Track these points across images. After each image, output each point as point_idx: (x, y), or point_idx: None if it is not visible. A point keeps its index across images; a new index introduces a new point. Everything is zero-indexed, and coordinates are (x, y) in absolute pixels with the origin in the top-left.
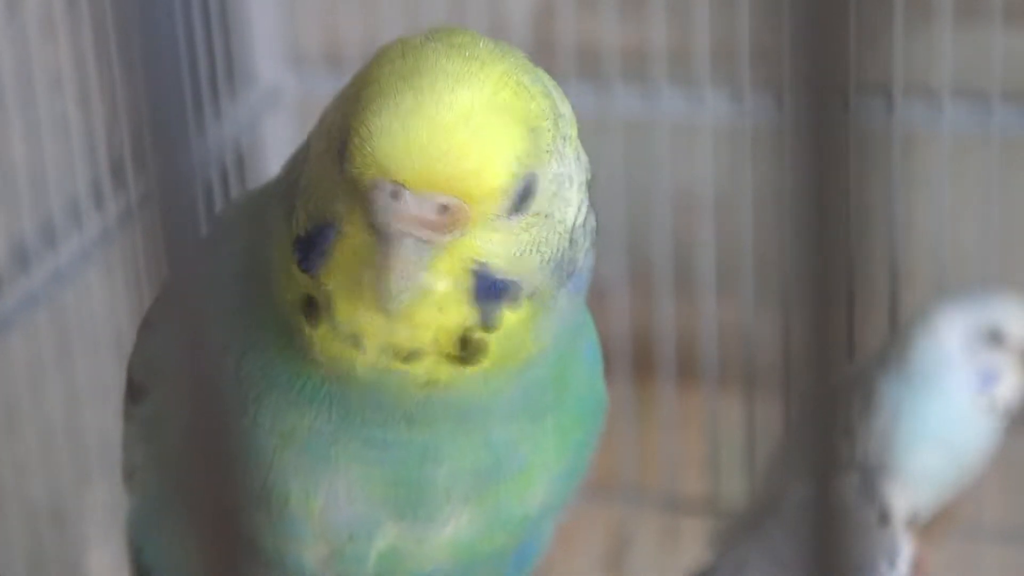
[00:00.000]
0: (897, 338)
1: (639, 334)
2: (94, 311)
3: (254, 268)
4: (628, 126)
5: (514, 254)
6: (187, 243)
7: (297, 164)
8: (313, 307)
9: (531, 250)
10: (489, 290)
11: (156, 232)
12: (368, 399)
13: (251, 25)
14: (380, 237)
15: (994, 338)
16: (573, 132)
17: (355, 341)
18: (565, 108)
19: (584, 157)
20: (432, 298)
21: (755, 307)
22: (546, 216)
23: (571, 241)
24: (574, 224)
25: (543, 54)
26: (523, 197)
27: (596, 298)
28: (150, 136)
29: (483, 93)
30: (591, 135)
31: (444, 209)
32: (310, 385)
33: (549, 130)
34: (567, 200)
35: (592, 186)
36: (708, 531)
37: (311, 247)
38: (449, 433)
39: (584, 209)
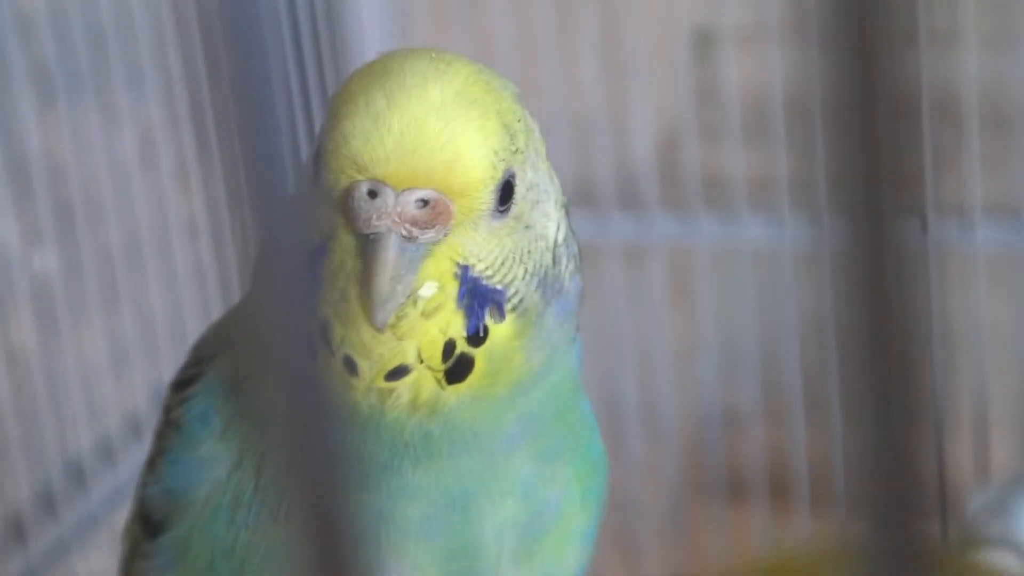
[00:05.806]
0: None
1: (774, 461)
2: None
3: None
4: (756, 255)
5: (498, 260)
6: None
7: None
8: (313, 343)
9: (514, 259)
10: (474, 295)
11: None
12: (379, 442)
13: None
14: (364, 241)
15: None
16: (543, 152)
17: (350, 365)
18: (535, 127)
19: (557, 181)
20: (419, 305)
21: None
22: (527, 226)
23: (555, 258)
24: (555, 241)
25: (668, 185)
26: (503, 197)
27: (731, 426)
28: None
29: (453, 87)
30: (720, 265)
31: (426, 204)
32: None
33: (522, 133)
34: (547, 214)
35: (568, 209)
36: None
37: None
38: (475, 474)
39: (564, 228)
